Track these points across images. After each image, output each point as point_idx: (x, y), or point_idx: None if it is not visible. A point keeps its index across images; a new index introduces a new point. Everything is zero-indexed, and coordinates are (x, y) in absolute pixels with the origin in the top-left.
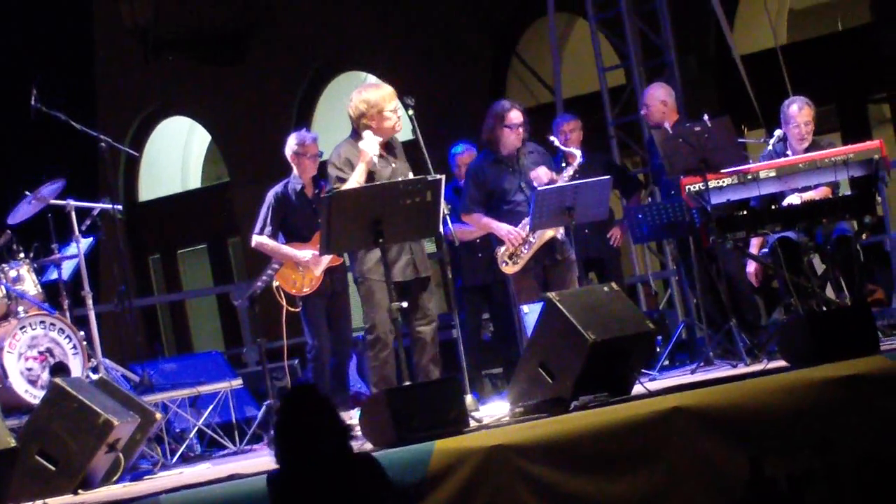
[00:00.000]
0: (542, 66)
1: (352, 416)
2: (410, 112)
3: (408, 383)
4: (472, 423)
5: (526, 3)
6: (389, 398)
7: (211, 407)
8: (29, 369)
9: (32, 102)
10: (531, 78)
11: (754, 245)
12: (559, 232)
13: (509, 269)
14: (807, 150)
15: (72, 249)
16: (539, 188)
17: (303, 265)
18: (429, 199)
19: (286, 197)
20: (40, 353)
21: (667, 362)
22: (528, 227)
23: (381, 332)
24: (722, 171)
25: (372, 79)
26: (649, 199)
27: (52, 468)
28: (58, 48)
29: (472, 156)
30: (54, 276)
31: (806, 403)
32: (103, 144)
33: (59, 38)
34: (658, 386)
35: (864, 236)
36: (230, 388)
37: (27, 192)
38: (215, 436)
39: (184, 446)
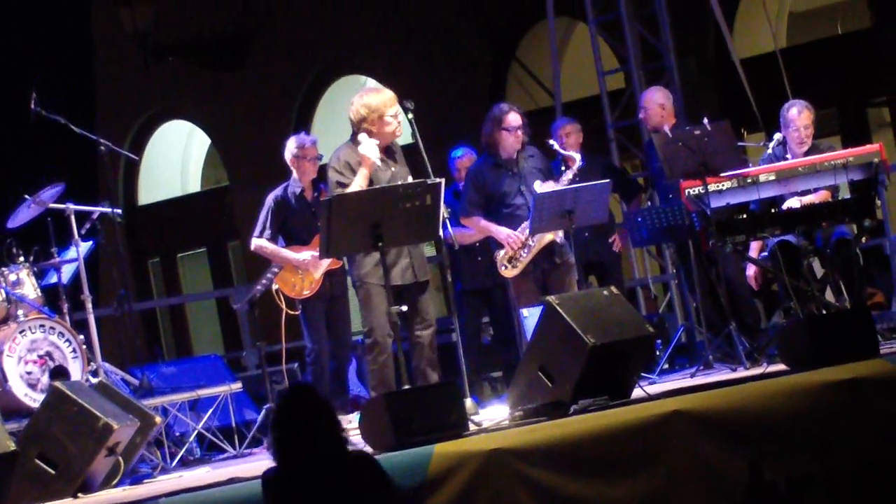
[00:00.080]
0: (542, 69)
1: (351, 420)
2: (410, 116)
3: (407, 387)
4: (472, 427)
5: (526, 7)
6: (389, 402)
7: (210, 410)
8: (29, 373)
9: (32, 106)
10: (531, 82)
11: (754, 249)
12: (558, 235)
13: (509, 272)
14: (806, 154)
15: (71, 253)
16: (538, 192)
17: (302, 268)
18: (428, 203)
19: (286, 200)
20: (40, 356)
21: (666, 366)
22: (527, 231)
23: (380, 336)
24: (721, 174)
25: (372, 83)
26: (649, 202)
27: (52, 472)
28: (57, 52)
29: (472, 159)
30: (54, 279)
31: (805, 407)
32: (103, 148)
33: (59, 42)
34: (658, 389)
35: (863, 240)
36: (230, 392)
37: (27, 196)
38: (215, 439)
39: (183, 450)
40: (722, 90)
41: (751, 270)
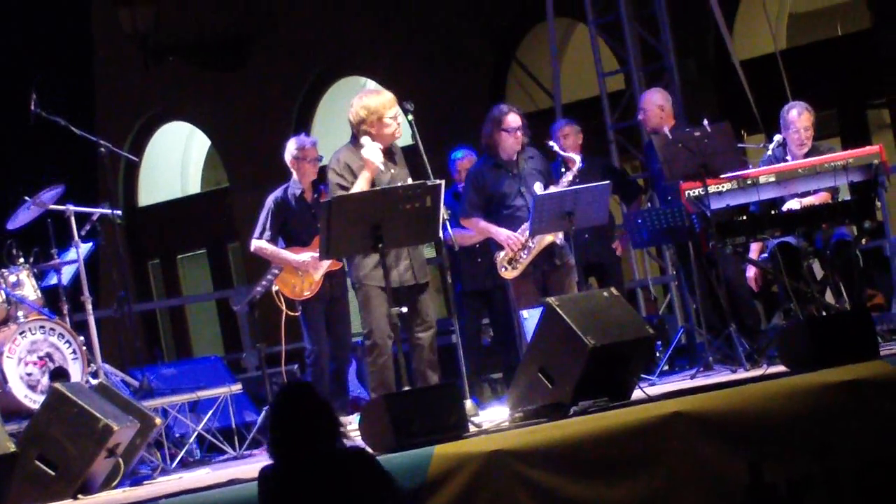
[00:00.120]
0: (542, 71)
1: (351, 421)
2: (410, 117)
3: (407, 388)
4: (472, 428)
5: (526, 8)
6: (389, 403)
7: (210, 412)
8: (29, 374)
9: (32, 107)
10: (531, 83)
11: (754, 250)
12: (558, 237)
13: (509, 273)
14: (806, 156)
15: (71, 254)
16: (538, 193)
17: (302, 270)
18: (428, 205)
19: (286, 202)
20: (40, 357)
21: (666, 367)
22: (527, 232)
23: (379, 338)
24: (721, 176)
25: (372, 84)
26: (649, 204)
27: (52, 473)
28: (57, 52)
29: (473, 161)
30: (54, 281)
31: (805, 408)
32: (103, 149)
33: (59, 43)
34: (658, 391)
35: (863, 241)
36: (230, 393)
37: (27, 198)
38: (215, 441)
39: (183, 451)
40: (722, 91)
41: (751, 272)
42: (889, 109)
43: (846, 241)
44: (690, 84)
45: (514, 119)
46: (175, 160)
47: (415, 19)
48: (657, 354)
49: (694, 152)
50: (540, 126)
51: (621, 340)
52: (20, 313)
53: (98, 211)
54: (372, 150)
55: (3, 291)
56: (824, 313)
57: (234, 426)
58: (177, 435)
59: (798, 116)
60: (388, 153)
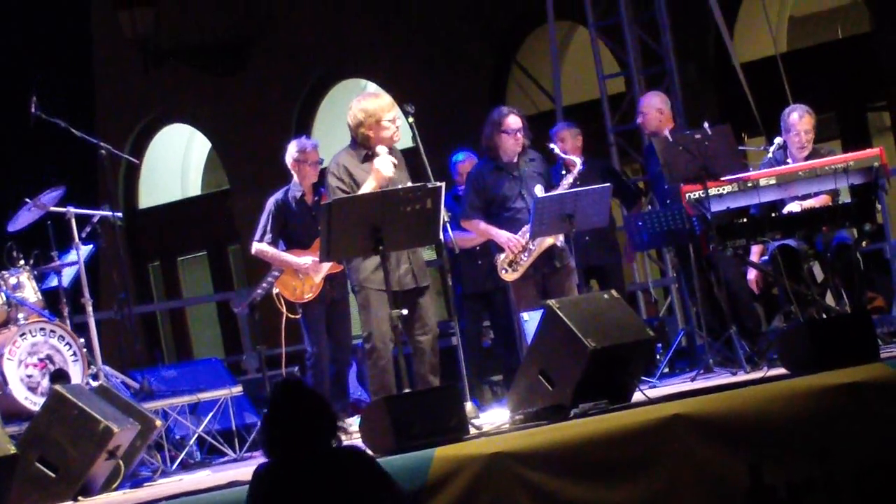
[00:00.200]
0: (543, 73)
1: (351, 424)
2: (411, 119)
3: (407, 390)
4: (472, 431)
5: (526, 11)
6: (389, 405)
7: (211, 414)
8: (29, 376)
9: (32, 109)
10: (531, 86)
11: (755, 253)
12: (559, 239)
13: (509, 276)
14: (807, 158)
15: (72, 256)
16: (539, 196)
17: (303, 272)
18: (429, 207)
19: (286, 204)
20: (40, 359)
21: (667, 370)
22: (527, 235)
23: (379, 341)
24: (722, 178)
25: (372, 87)
26: (649, 206)
27: (52, 475)
28: (57, 54)
29: (473, 163)
30: (54, 283)
31: (806, 411)
32: (103, 151)
33: (59, 44)
34: (658, 393)
35: (863, 244)
36: (230, 396)
37: (27, 200)
38: (215, 443)
39: (184, 453)
40: (722, 94)
41: (752, 274)
42: (889, 112)
43: (846, 243)
44: (691, 87)
45: (514, 121)
46: (175, 162)
47: (415, 22)
48: (657, 357)
49: (694, 155)
50: (540, 128)
51: (622, 343)
52: (20, 315)
53: (98, 213)
54: (384, 162)
55: (3, 293)
56: (824, 316)
57: (234, 428)
58: (177, 437)
59: (799, 119)
60: None
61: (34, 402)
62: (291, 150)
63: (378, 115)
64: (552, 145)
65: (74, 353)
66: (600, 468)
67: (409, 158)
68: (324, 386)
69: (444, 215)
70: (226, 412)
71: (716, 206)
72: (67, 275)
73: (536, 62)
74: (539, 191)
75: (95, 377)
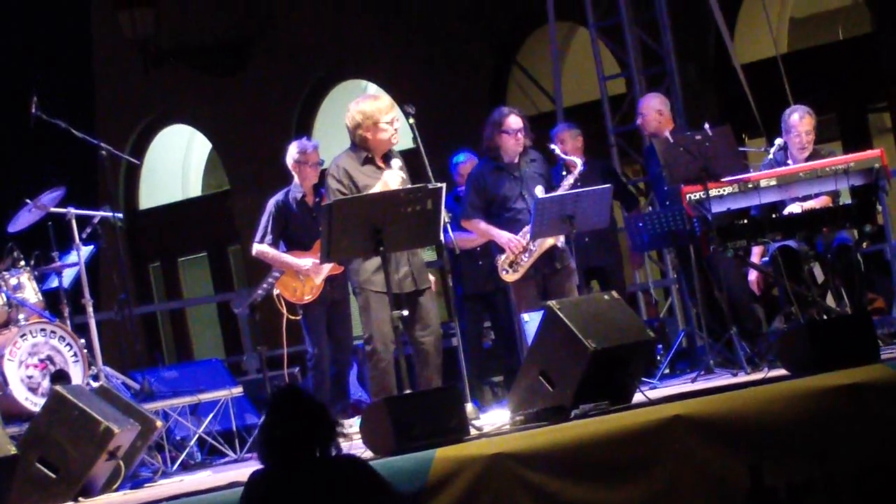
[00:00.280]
0: (543, 74)
1: (352, 425)
2: (411, 120)
3: (408, 391)
4: (473, 432)
5: (527, 11)
6: (390, 406)
7: (211, 415)
8: (29, 377)
9: (33, 110)
10: (532, 86)
11: (755, 254)
12: (559, 240)
13: (509, 276)
14: (808, 159)
15: (72, 257)
16: (539, 196)
17: (303, 274)
18: (429, 208)
19: (287, 205)
20: (41, 360)
21: (667, 371)
22: (528, 235)
23: (379, 343)
24: (722, 179)
25: (373, 88)
26: (649, 207)
27: (53, 476)
28: (57, 55)
29: (474, 164)
30: (55, 283)
31: (806, 412)
32: (104, 152)
33: (59, 45)
34: (658, 394)
35: (864, 245)
36: (230, 396)
37: (28, 200)
38: (216, 444)
39: (184, 454)
40: (723, 95)
41: (753, 275)
42: (890, 113)
43: (847, 244)
44: (691, 87)
45: (515, 121)
46: (176, 163)
47: (416, 22)
48: (658, 358)
49: (695, 156)
50: (541, 130)
51: (622, 344)
52: (21, 316)
53: (99, 214)
54: (394, 177)
55: (3, 294)
56: (825, 317)
57: (234, 429)
58: (177, 438)
59: (799, 120)
60: (387, 158)
61: (35, 403)
62: (292, 152)
63: (375, 117)
64: (552, 146)
65: (75, 354)
66: (601, 469)
67: (409, 159)
68: (324, 387)
69: (444, 216)
70: (226, 413)
71: (716, 207)
72: (68, 275)
73: (537, 63)
74: (540, 191)
75: (96, 378)
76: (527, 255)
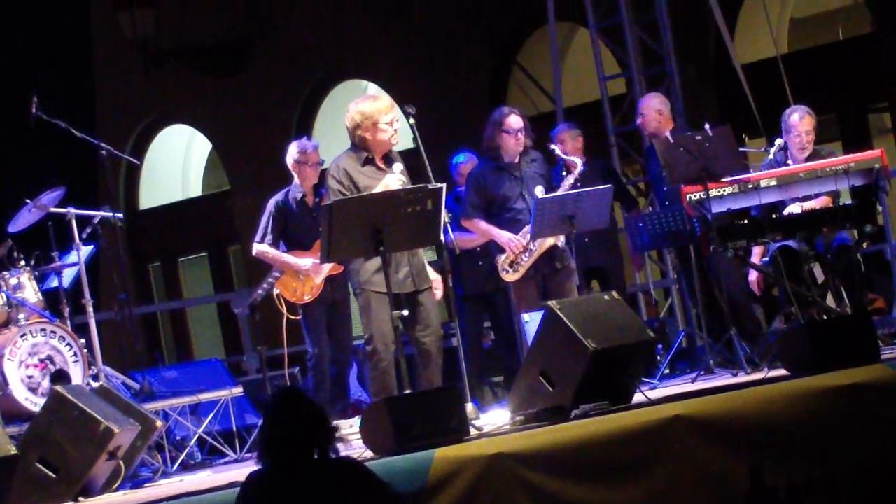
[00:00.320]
0: (543, 75)
1: (352, 425)
2: (411, 120)
3: (408, 391)
4: (473, 432)
5: (527, 12)
6: (390, 406)
7: (211, 415)
8: (29, 377)
9: (33, 110)
10: (532, 87)
11: (756, 254)
12: (559, 240)
13: (510, 276)
14: (807, 160)
15: (72, 257)
16: (540, 197)
17: (304, 274)
18: (429, 208)
19: (287, 205)
20: (41, 360)
21: (667, 371)
22: (528, 235)
23: (380, 343)
24: (723, 179)
25: (373, 88)
26: (649, 207)
27: (53, 476)
28: (57, 55)
29: (474, 165)
30: (55, 283)
31: (806, 412)
32: (104, 152)
33: (59, 46)
34: (658, 394)
35: (864, 245)
36: (230, 396)
37: (28, 200)
38: (216, 443)
39: (184, 454)
40: (723, 95)
41: (753, 276)
42: (890, 114)
43: (847, 245)
44: (691, 88)
45: (515, 121)
46: (176, 163)
47: (416, 23)
48: (658, 358)
49: (695, 156)
50: (541, 130)
51: (622, 344)
52: (21, 316)
53: (99, 214)
54: (394, 181)
55: (4, 294)
56: (825, 317)
57: (234, 429)
58: (177, 438)
59: (799, 120)
60: (387, 159)
61: (35, 403)
62: (292, 152)
63: (375, 118)
64: (553, 146)
65: (75, 354)
66: (601, 469)
67: (409, 159)
68: (324, 387)
69: (444, 216)
70: (226, 413)
71: (716, 208)
72: (68, 275)
73: (537, 63)
74: (540, 192)
75: (96, 378)
76: (527, 255)
